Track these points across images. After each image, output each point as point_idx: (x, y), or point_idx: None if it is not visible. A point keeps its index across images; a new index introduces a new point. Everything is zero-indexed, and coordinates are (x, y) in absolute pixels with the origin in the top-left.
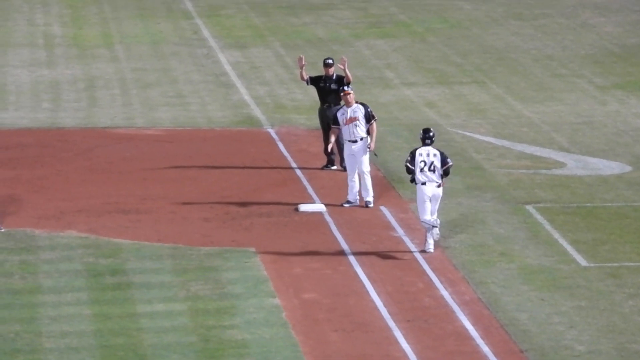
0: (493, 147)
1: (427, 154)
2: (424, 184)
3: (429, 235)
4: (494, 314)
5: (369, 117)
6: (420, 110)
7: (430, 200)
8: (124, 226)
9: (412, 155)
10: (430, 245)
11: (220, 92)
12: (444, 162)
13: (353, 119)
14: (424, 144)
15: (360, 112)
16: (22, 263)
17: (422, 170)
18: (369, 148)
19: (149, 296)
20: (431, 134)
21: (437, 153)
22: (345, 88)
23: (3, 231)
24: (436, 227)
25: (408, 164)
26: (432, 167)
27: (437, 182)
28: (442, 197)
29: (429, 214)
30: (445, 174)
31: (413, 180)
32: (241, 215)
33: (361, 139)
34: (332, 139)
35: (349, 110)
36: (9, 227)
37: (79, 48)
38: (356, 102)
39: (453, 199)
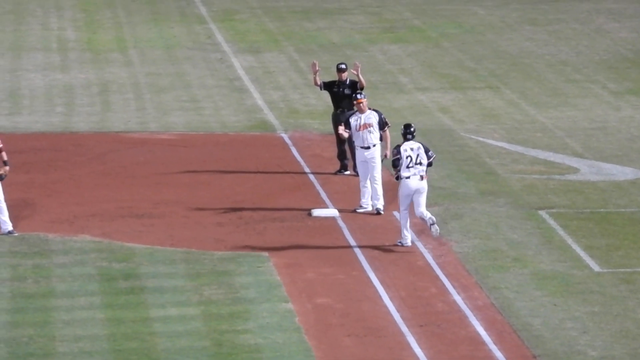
0: (507, 153)
1: (412, 149)
2: (408, 178)
3: (404, 228)
4: (507, 319)
5: (382, 124)
6: (434, 116)
7: (414, 194)
8: (137, 230)
9: (398, 151)
10: (407, 239)
11: (234, 97)
12: (427, 155)
13: (367, 126)
14: (406, 139)
15: (374, 118)
16: (35, 267)
17: (408, 165)
18: (385, 157)
19: (162, 300)
20: (412, 129)
21: (420, 146)
22: (358, 96)
23: (16, 235)
24: (434, 223)
25: (394, 162)
26: (418, 160)
27: (420, 175)
28: (426, 193)
29: (407, 207)
30: (428, 165)
31: (397, 177)
32: (254, 220)
33: (374, 145)
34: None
35: (363, 116)
36: (22, 231)
37: (92, 52)
38: (369, 109)
39: (466, 204)
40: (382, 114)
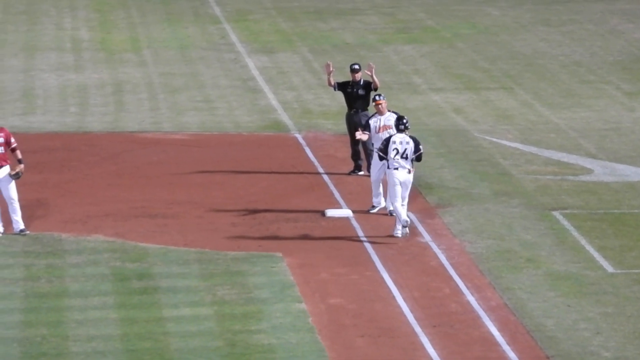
0: (520, 153)
1: (401, 142)
2: (396, 169)
3: (398, 221)
4: (520, 320)
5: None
6: (448, 116)
7: (400, 185)
8: (150, 230)
9: (387, 141)
10: (399, 231)
11: (248, 97)
12: (417, 149)
13: (386, 127)
14: (398, 131)
15: (393, 120)
16: (48, 267)
17: (394, 157)
18: None
19: (175, 300)
20: (405, 120)
21: (410, 140)
22: (377, 98)
23: (30, 234)
24: (406, 227)
25: (380, 152)
26: (404, 155)
27: (408, 169)
28: (411, 187)
29: (400, 199)
30: (417, 159)
31: (381, 158)
32: (268, 220)
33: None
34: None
35: (382, 118)
36: (36, 231)
37: (106, 52)
38: (388, 110)
39: (480, 205)
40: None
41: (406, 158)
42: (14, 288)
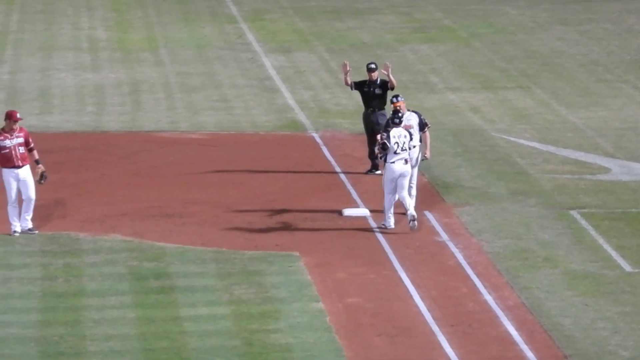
0: (537, 152)
1: (399, 135)
2: (392, 163)
3: (388, 211)
4: (537, 319)
5: (422, 125)
6: (465, 115)
7: (398, 178)
8: (168, 230)
9: (387, 136)
10: (391, 221)
11: (265, 97)
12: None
13: (407, 127)
14: (394, 125)
15: (414, 120)
16: (66, 266)
17: (395, 151)
18: (425, 157)
19: (192, 300)
20: (400, 114)
21: (407, 133)
22: (395, 99)
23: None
24: (414, 221)
25: (386, 141)
26: (405, 147)
27: (404, 159)
28: (410, 177)
29: (395, 192)
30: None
31: (383, 158)
32: (285, 220)
33: (414, 147)
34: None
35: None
36: (53, 230)
37: (123, 52)
38: (408, 110)
39: (497, 204)
40: (422, 114)
41: (406, 149)
42: (31, 287)
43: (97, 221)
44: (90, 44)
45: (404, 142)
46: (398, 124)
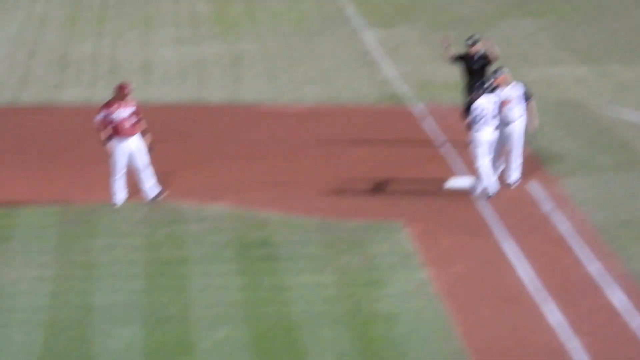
0: None
1: (486, 104)
2: (479, 131)
3: (487, 178)
4: None
5: (527, 96)
6: (567, 88)
7: (487, 145)
8: (271, 199)
9: (475, 107)
10: (493, 187)
11: (365, 70)
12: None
13: (506, 102)
14: (484, 92)
15: (517, 91)
16: (170, 235)
17: (481, 119)
18: (532, 128)
19: (297, 268)
20: (487, 84)
21: (497, 100)
22: (497, 74)
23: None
24: (488, 192)
25: (473, 110)
26: (494, 114)
27: (493, 127)
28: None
29: (486, 159)
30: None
31: (470, 127)
32: (388, 190)
33: (514, 121)
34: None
35: (502, 93)
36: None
37: (223, 26)
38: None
39: (602, 175)
40: (525, 86)
41: (493, 117)
42: (136, 255)
43: (200, 191)
44: (191, 18)
45: (491, 111)
46: (487, 93)
